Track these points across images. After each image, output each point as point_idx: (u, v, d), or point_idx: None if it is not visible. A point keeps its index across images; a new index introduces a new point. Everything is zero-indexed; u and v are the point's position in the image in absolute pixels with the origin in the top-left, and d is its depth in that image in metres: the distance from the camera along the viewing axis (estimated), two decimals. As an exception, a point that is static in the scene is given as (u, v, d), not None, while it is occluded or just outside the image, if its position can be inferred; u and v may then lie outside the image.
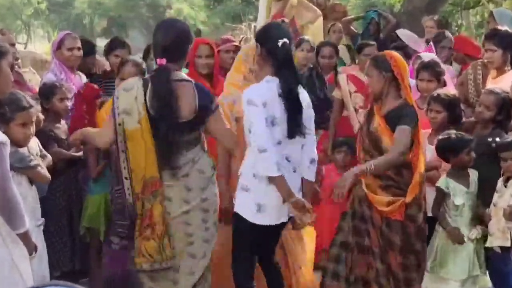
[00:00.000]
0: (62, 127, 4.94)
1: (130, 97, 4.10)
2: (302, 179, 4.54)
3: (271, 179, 4.22)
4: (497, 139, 4.94)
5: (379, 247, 4.63)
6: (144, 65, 5.30)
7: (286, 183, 4.22)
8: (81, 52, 6.02)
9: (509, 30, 6.06)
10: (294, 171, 4.47)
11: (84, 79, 6.04)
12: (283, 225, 4.53)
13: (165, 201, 4.11)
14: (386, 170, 4.52)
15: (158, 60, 4.18)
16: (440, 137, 5.09)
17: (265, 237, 4.50)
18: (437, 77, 5.76)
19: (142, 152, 4.06)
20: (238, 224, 4.44)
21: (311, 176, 4.56)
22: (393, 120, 4.56)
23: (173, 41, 4.18)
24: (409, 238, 4.60)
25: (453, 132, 5.06)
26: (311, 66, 7.07)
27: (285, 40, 4.37)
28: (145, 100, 4.07)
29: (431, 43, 7.25)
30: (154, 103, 4.06)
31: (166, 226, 4.08)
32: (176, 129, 4.09)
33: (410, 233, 4.60)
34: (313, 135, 4.61)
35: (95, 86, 5.75)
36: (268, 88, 4.32)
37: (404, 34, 8.32)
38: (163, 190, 4.10)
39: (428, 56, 6.42)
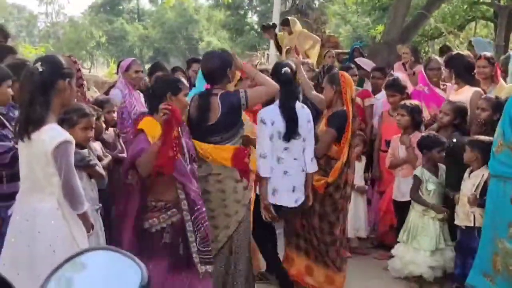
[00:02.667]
0: (109, 133, 4.90)
1: None
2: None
3: (261, 178, 4.42)
4: (454, 139, 4.92)
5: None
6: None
7: (267, 185, 4.41)
8: (144, 74, 6.05)
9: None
10: (302, 170, 4.55)
11: (141, 95, 5.99)
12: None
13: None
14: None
15: (205, 85, 4.36)
16: (423, 134, 5.16)
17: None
18: (400, 91, 5.79)
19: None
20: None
21: (311, 170, 4.56)
22: (330, 121, 4.69)
23: (212, 70, 4.21)
24: (325, 209, 4.65)
25: (432, 133, 5.06)
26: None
27: (286, 68, 4.50)
28: (188, 110, 4.19)
29: (422, 67, 6.73)
30: (194, 112, 4.17)
31: None
32: (205, 131, 4.12)
33: (326, 205, 4.66)
34: (313, 142, 4.61)
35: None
36: (276, 109, 4.43)
37: (360, 60, 8.28)
38: None
39: (397, 74, 6.40)
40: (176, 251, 3.70)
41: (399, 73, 6.72)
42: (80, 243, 3.19)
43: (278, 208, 4.50)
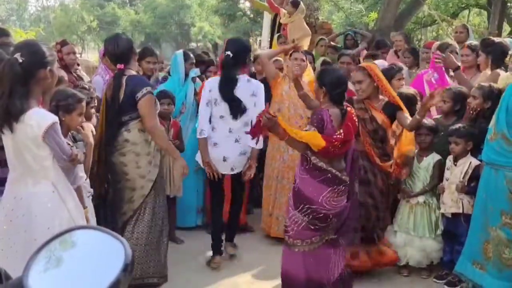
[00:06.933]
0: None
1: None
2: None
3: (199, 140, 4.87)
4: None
5: None
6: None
7: (206, 146, 4.81)
8: None
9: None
10: (236, 141, 4.84)
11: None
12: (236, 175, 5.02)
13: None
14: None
15: (118, 65, 4.40)
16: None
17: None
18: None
19: (98, 127, 4.44)
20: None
21: (253, 144, 4.70)
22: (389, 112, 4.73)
23: (124, 50, 4.34)
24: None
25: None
26: None
27: (228, 52, 4.79)
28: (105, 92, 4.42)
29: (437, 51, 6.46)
30: (109, 92, 4.36)
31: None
32: (116, 111, 4.29)
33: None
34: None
35: None
36: (215, 80, 4.86)
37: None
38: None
39: (380, 64, 6.26)
40: None
41: (380, 61, 6.65)
42: (74, 216, 3.18)
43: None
